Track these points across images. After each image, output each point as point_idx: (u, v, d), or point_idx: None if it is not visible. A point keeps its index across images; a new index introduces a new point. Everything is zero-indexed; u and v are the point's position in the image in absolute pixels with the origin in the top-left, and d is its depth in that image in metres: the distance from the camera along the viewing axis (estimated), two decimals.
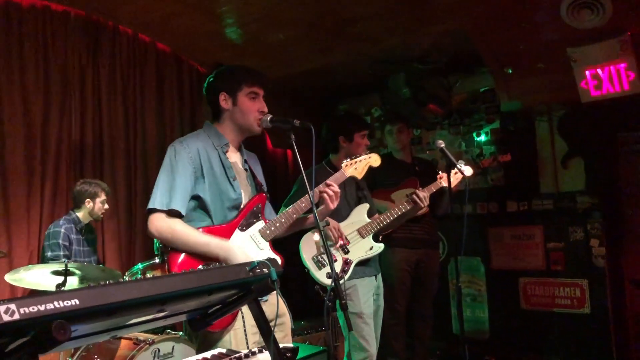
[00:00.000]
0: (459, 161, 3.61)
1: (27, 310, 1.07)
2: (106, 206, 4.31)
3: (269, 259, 1.68)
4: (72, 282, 3.49)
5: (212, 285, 1.51)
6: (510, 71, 4.63)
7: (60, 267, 3.37)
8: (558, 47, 4.19)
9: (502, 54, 4.58)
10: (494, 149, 5.50)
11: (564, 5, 3.83)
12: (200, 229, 2.39)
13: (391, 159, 4.68)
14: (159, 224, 2.33)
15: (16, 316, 1.05)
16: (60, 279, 3.36)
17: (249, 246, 2.50)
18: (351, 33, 4.77)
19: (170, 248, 2.37)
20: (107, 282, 1.26)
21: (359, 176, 2.99)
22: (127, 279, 3.30)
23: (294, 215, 2.61)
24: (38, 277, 3.44)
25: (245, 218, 2.52)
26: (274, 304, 2.38)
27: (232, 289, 1.64)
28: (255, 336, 2.36)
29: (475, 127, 5.67)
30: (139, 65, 5.06)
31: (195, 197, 2.43)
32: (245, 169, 2.66)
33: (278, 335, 2.39)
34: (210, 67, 5.44)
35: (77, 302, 1.15)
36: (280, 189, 6.26)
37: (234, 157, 2.62)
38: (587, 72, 4.14)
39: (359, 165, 3.00)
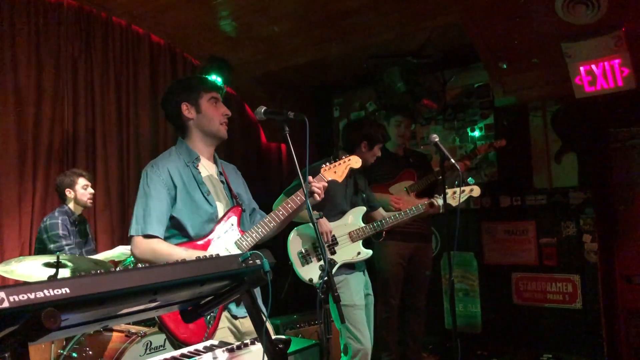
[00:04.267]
0: (469, 178, 3.61)
1: (16, 298, 1.05)
2: (90, 190, 4.22)
3: (262, 250, 1.67)
4: (64, 274, 3.47)
5: (205, 275, 1.50)
6: (505, 66, 4.62)
7: (52, 259, 3.35)
8: (553, 42, 4.20)
9: (497, 49, 4.58)
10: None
11: (559, 0, 3.83)
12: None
13: (385, 152, 4.67)
14: (139, 248, 2.38)
15: (5, 304, 1.03)
16: (52, 271, 3.34)
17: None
18: (346, 26, 4.76)
19: None
20: (99, 272, 1.25)
21: (340, 179, 2.88)
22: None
23: (271, 225, 2.58)
24: (29, 269, 3.41)
25: (217, 230, 2.51)
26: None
27: (225, 279, 1.63)
28: None
29: (469, 123, 5.67)
30: (132, 58, 5.02)
31: (171, 217, 2.46)
32: (222, 181, 2.65)
33: None
34: (204, 60, 5.42)
35: (68, 290, 1.14)
36: (275, 182, 6.26)
37: (208, 169, 2.62)
38: (581, 68, 4.14)
39: (339, 168, 2.87)
